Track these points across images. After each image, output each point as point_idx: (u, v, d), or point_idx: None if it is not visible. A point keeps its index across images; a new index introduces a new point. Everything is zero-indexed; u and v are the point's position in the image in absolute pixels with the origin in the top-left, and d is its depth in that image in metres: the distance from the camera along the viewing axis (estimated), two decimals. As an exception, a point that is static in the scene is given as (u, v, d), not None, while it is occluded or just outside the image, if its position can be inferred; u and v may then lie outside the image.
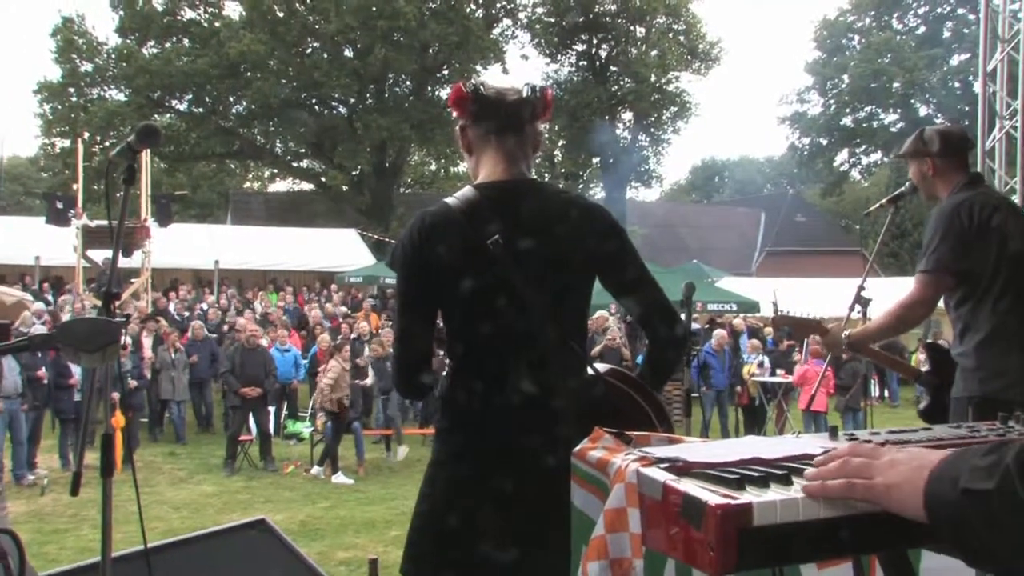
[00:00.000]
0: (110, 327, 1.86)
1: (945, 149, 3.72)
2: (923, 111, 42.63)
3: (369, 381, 12.79)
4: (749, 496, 1.10)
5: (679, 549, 1.13)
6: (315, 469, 11.03)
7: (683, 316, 4.65)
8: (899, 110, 43.94)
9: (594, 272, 2.37)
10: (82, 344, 1.75)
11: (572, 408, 2.20)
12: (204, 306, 19.51)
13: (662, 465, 1.23)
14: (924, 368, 4.23)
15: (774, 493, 1.12)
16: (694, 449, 1.38)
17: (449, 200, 2.32)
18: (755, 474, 1.17)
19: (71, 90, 32.12)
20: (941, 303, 3.73)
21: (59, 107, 31.86)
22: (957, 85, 41.24)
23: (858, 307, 4.75)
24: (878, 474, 1.11)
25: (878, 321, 3.84)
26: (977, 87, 11.85)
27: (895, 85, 41.99)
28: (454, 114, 2.43)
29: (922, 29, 43.94)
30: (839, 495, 1.11)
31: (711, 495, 1.09)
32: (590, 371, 2.37)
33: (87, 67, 32.40)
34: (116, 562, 2.51)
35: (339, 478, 10.83)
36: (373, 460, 11.53)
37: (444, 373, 2.39)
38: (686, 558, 1.12)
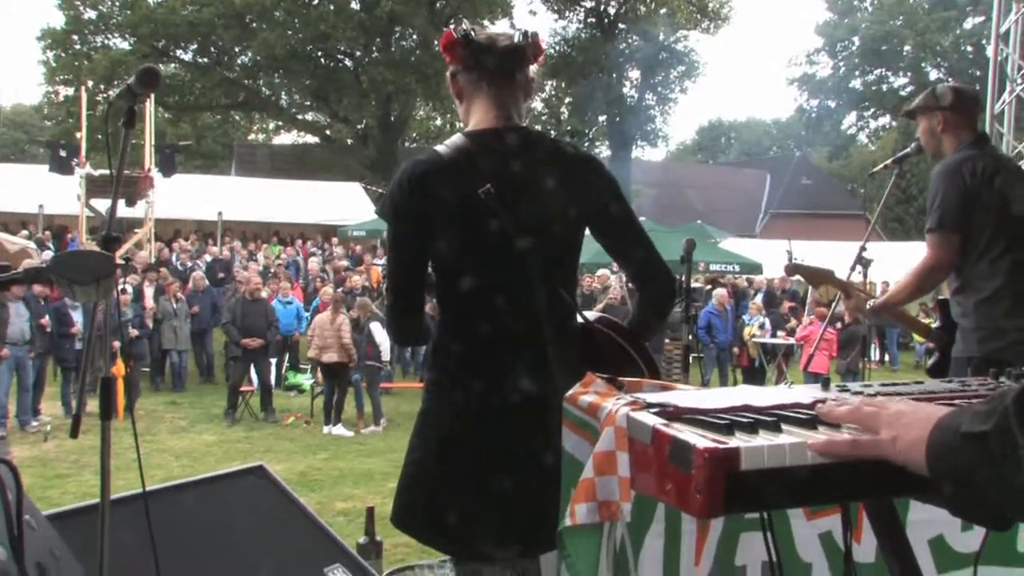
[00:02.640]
0: (103, 260, 1.86)
1: (957, 104, 3.72)
2: (933, 75, 42.22)
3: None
4: (737, 441, 1.10)
5: (667, 493, 1.14)
6: (325, 428, 11.05)
7: (683, 274, 4.66)
8: (909, 73, 43.54)
9: (585, 221, 2.34)
10: (75, 276, 1.74)
11: (564, 356, 2.20)
12: (208, 257, 19.50)
13: (652, 410, 1.24)
14: (935, 324, 4.22)
15: (762, 439, 1.12)
16: (685, 396, 1.38)
17: (439, 148, 2.28)
18: (744, 420, 1.17)
19: (75, 37, 31.79)
20: None
21: (63, 54, 31.55)
22: (969, 48, 40.82)
23: (859, 268, 4.75)
24: (884, 426, 1.13)
25: (899, 286, 3.84)
26: (989, 51, 11.72)
27: (906, 48, 41.59)
28: (446, 59, 2.38)
29: (936, -9, 43.38)
30: (845, 454, 1.12)
31: (700, 439, 1.09)
32: (579, 320, 2.36)
33: (91, 14, 32.06)
34: (115, 504, 2.54)
35: (338, 430, 10.90)
36: (372, 413, 11.58)
37: (435, 323, 2.38)
38: (674, 501, 1.13)
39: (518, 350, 2.23)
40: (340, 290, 14.31)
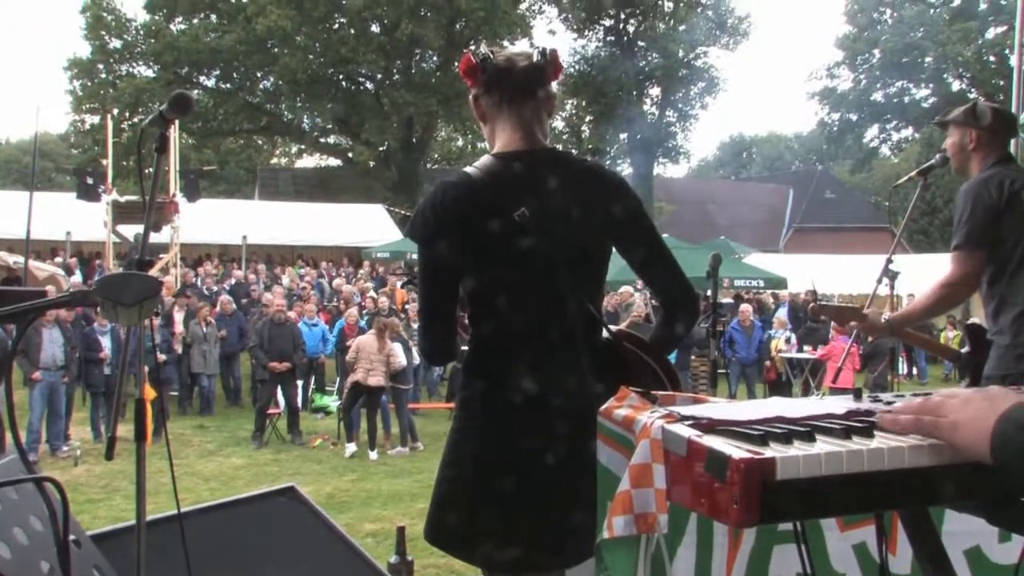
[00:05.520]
0: (148, 281, 1.90)
1: (994, 125, 3.65)
2: (956, 86, 41.94)
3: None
4: (772, 451, 1.11)
5: (703, 503, 1.15)
6: (348, 450, 11.05)
7: (709, 289, 4.66)
8: (931, 85, 43.28)
9: (611, 239, 2.37)
10: (120, 297, 1.78)
11: (596, 369, 2.21)
12: (233, 281, 19.64)
13: (687, 422, 1.25)
14: (964, 349, 4.15)
15: (797, 449, 1.13)
16: (719, 408, 1.39)
17: (470, 170, 2.30)
18: (778, 431, 1.18)
19: (100, 66, 32.35)
20: None
21: (89, 83, 32.08)
22: (992, 59, 40.46)
23: (886, 280, 4.72)
24: (951, 412, 1.15)
25: (919, 302, 3.76)
26: (1013, 61, 11.65)
27: (927, 59, 41.33)
28: (467, 84, 2.41)
29: (956, 1, 43.10)
30: (908, 428, 1.17)
31: (735, 450, 1.10)
32: (606, 334, 2.38)
33: (116, 44, 32.60)
34: (149, 525, 2.57)
35: (372, 455, 10.88)
36: (400, 434, 11.59)
37: (467, 342, 2.39)
38: (710, 512, 1.13)
39: (551, 365, 2.25)
40: (366, 311, 14.34)
